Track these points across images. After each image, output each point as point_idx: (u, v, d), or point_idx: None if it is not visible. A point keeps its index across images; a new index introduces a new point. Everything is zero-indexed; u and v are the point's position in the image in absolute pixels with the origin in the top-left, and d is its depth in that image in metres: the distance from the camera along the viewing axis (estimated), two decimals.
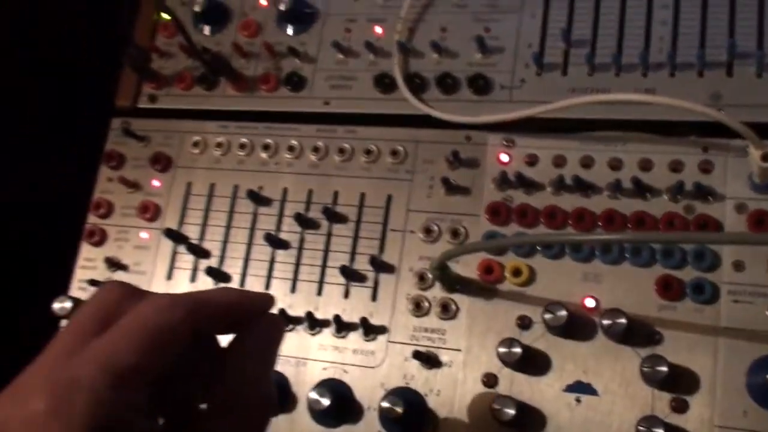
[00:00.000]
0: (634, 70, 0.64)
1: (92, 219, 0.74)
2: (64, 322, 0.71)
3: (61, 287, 0.73)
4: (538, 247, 0.62)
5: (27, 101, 0.81)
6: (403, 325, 0.64)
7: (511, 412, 0.57)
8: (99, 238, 0.73)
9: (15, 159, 0.81)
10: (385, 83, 0.70)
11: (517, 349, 0.58)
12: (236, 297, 0.48)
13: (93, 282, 0.71)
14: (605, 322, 0.57)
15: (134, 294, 0.44)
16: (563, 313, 0.58)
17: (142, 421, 0.41)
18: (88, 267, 0.73)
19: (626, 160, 0.62)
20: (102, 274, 0.72)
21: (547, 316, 0.58)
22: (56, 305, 0.70)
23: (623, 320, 0.57)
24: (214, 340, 0.48)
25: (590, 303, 0.59)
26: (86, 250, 0.74)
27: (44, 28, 0.82)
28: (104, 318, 0.42)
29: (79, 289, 0.73)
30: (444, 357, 0.62)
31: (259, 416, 0.46)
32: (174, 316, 0.42)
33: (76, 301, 0.70)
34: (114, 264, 0.72)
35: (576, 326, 0.59)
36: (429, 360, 0.62)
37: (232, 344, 0.46)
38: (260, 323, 0.47)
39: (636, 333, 0.58)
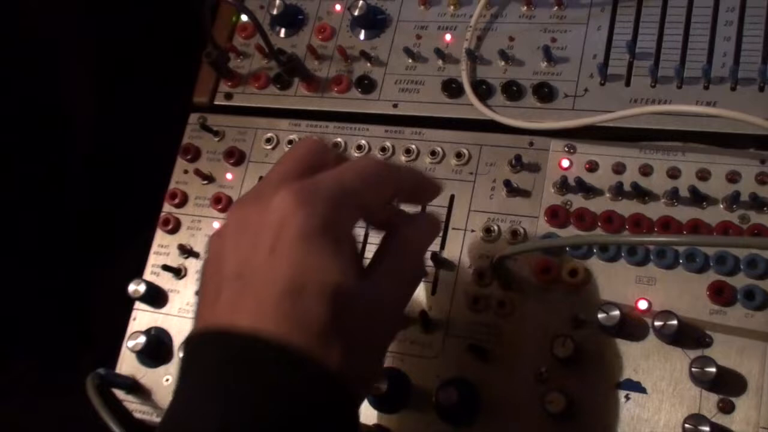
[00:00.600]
0: (696, 83, 0.66)
1: (167, 208, 0.78)
2: (137, 304, 0.75)
3: (136, 271, 0.77)
4: (594, 250, 0.64)
5: (113, 97, 0.85)
6: (460, 319, 0.66)
7: (562, 405, 0.59)
8: (173, 226, 0.77)
9: (100, 148, 0.85)
10: (452, 88, 0.73)
11: (570, 346, 0.60)
12: (427, 182, 0.61)
13: (166, 267, 0.75)
14: (657, 323, 0.59)
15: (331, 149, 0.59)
16: (616, 313, 0.60)
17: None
18: (162, 253, 0.77)
19: (684, 170, 0.64)
20: (174, 260, 0.76)
21: (601, 315, 0.60)
22: (132, 287, 0.74)
23: (675, 322, 0.58)
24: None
25: (643, 305, 0.61)
26: (160, 237, 0.78)
27: (133, 28, 0.86)
28: (318, 157, 0.56)
29: (152, 273, 0.76)
30: (498, 351, 0.64)
31: (411, 284, 0.58)
32: (387, 173, 0.56)
33: (150, 285, 0.74)
34: (186, 251, 0.76)
35: (628, 327, 0.61)
36: (484, 354, 0.64)
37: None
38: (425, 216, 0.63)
39: (686, 335, 0.60)
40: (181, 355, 0.52)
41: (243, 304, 0.49)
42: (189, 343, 0.51)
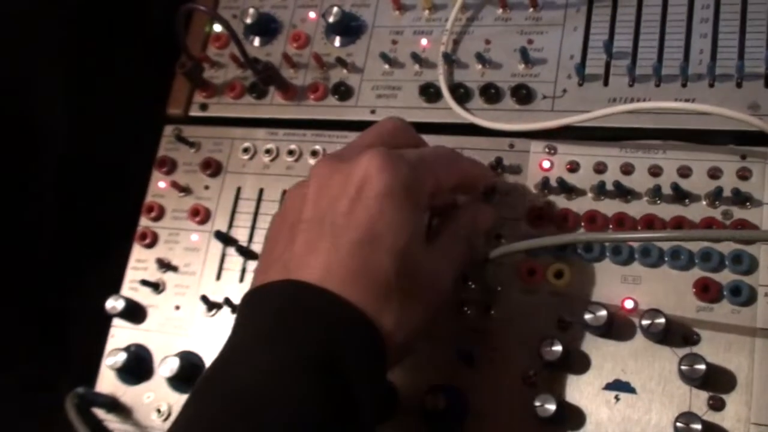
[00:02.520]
0: (673, 80, 0.66)
1: (144, 222, 0.77)
2: (116, 321, 0.74)
3: (112, 287, 0.75)
4: (578, 250, 0.63)
5: (83, 108, 0.84)
6: (445, 324, 0.65)
7: (552, 408, 0.58)
8: (150, 240, 0.76)
9: (71, 162, 0.84)
10: (429, 93, 0.72)
11: (558, 348, 0.60)
12: (488, 172, 0.67)
13: (144, 282, 0.74)
14: (645, 322, 0.59)
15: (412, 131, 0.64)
16: (603, 313, 0.59)
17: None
18: (140, 268, 0.76)
19: (666, 167, 0.64)
20: (153, 274, 0.75)
21: (588, 316, 0.60)
22: (109, 304, 0.73)
23: (662, 320, 0.58)
24: None
25: (629, 304, 0.61)
26: (138, 252, 0.76)
27: (101, 37, 0.85)
28: (400, 135, 0.62)
29: (130, 288, 0.75)
30: (485, 355, 0.63)
31: (462, 263, 0.62)
32: (460, 158, 0.64)
33: (128, 301, 0.73)
34: (164, 265, 0.75)
35: (615, 327, 0.61)
36: (470, 358, 0.63)
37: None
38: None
39: (674, 333, 0.59)
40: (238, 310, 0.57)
41: (320, 244, 0.54)
42: (257, 292, 0.55)
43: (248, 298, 0.56)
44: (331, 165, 0.58)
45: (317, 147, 0.74)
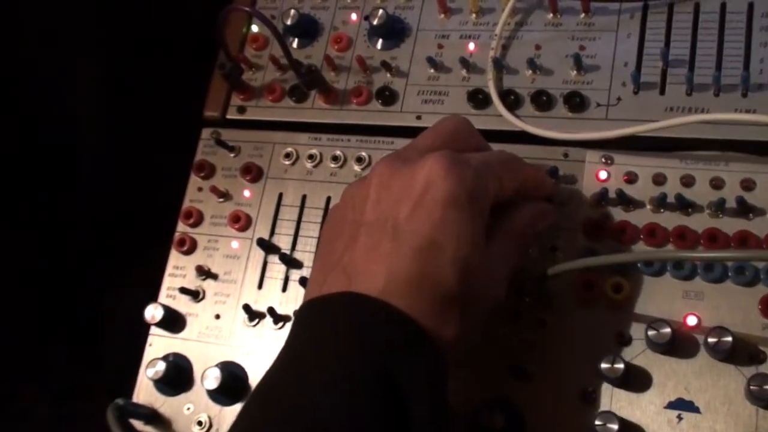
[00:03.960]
0: (733, 90, 0.65)
1: (182, 227, 0.75)
2: (153, 329, 0.72)
3: (148, 293, 0.74)
4: (638, 264, 0.62)
5: (121, 109, 0.82)
6: (497, 338, 0.64)
7: (615, 427, 0.57)
8: (189, 247, 0.74)
9: (106, 167, 0.82)
10: (478, 99, 0.71)
11: (620, 365, 0.58)
12: (548, 180, 0.65)
13: (183, 290, 0.72)
14: (711, 339, 0.57)
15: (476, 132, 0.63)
16: (667, 330, 0.58)
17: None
18: (178, 275, 0.74)
19: (728, 180, 0.63)
20: (192, 282, 0.73)
21: (651, 333, 0.58)
22: (149, 312, 0.71)
23: (729, 338, 0.57)
24: None
25: (692, 321, 0.59)
26: (175, 258, 0.75)
27: (139, 38, 0.84)
28: (463, 137, 0.61)
29: (168, 296, 0.73)
30: (540, 371, 0.62)
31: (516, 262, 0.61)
32: (522, 165, 0.62)
33: (167, 309, 0.71)
34: (204, 272, 0.73)
35: (677, 344, 0.59)
36: (525, 374, 0.62)
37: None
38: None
39: (740, 352, 0.58)
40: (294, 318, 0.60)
41: (382, 247, 0.53)
42: (317, 303, 0.54)
43: (307, 309, 0.55)
44: (393, 165, 0.57)
45: (363, 153, 0.73)
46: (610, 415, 0.57)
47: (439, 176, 0.54)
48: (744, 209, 0.61)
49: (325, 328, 0.53)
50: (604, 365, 0.59)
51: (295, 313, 0.57)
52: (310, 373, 0.51)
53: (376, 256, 0.53)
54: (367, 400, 0.49)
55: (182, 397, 0.70)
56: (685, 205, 0.62)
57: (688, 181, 0.63)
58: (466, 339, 0.55)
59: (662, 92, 0.67)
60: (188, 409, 0.69)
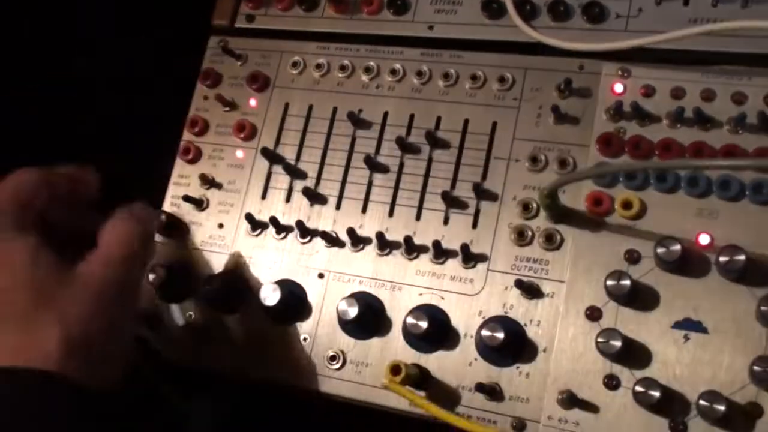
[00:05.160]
0: (762, 2, 0.61)
1: (187, 136, 0.74)
2: (156, 236, 0.70)
3: (152, 202, 0.72)
4: (651, 180, 0.59)
5: (128, 18, 0.80)
6: (504, 253, 0.62)
7: (617, 344, 0.55)
8: (193, 155, 0.73)
9: (114, 75, 0.80)
10: (492, 8, 0.68)
11: (626, 282, 0.56)
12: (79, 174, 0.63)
13: (187, 198, 0.71)
14: (722, 258, 0.55)
15: None
16: (677, 247, 0.56)
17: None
18: (182, 183, 0.73)
19: (751, 95, 0.60)
20: (196, 190, 0.72)
21: (660, 250, 0.56)
22: None
23: (742, 257, 0.54)
24: None
25: (704, 239, 0.57)
26: (180, 167, 0.73)
27: None
28: None
29: (172, 204, 0.72)
30: (546, 288, 0.60)
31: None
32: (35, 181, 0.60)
33: (170, 217, 0.70)
34: (208, 181, 0.71)
35: (688, 262, 0.57)
36: (530, 290, 0.60)
37: None
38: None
39: (753, 272, 0.56)
40: None
41: None
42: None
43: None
44: None
45: (371, 63, 0.70)
46: (613, 332, 0.56)
47: None
48: (766, 125, 0.58)
49: None
50: (609, 282, 0.57)
51: None
52: None
53: None
54: None
55: (186, 304, 0.69)
56: (703, 120, 0.60)
57: (708, 96, 0.61)
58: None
59: (686, 3, 0.63)
60: (190, 316, 0.69)
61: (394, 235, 0.65)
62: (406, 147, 0.66)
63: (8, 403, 0.50)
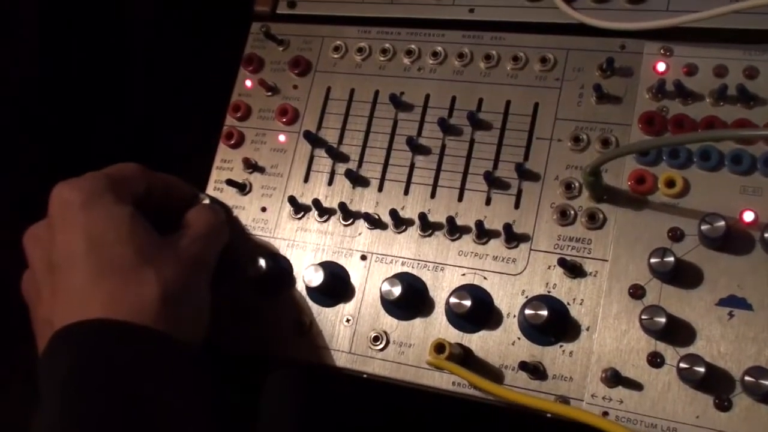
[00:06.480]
0: None
1: (230, 121, 0.75)
2: None
3: (197, 187, 0.73)
4: (694, 159, 0.59)
5: (171, 4, 0.81)
6: (546, 233, 0.62)
7: (662, 321, 0.55)
8: (236, 140, 0.74)
9: (157, 62, 0.82)
10: None
11: (671, 259, 0.56)
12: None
13: (230, 182, 0.72)
14: (767, 235, 0.55)
15: None
16: (721, 223, 0.56)
17: None
18: (225, 168, 0.74)
19: None
20: (239, 175, 0.73)
21: (704, 227, 0.56)
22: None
23: None
24: None
25: (749, 217, 0.57)
26: (223, 151, 0.74)
27: None
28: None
29: (215, 189, 0.73)
30: (589, 267, 0.60)
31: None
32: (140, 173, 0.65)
33: (214, 200, 0.71)
34: (251, 165, 0.72)
35: (732, 240, 0.57)
36: (573, 269, 0.60)
37: None
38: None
39: None
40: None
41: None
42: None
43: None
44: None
45: (413, 46, 0.71)
46: (657, 309, 0.56)
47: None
48: None
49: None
50: (653, 259, 0.57)
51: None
52: None
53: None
54: None
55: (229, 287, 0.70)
56: (747, 98, 0.59)
57: (751, 73, 0.60)
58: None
59: None
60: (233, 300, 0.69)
61: (437, 216, 0.65)
62: (448, 129, 0.67)
63: (107, 355, 0.54)
